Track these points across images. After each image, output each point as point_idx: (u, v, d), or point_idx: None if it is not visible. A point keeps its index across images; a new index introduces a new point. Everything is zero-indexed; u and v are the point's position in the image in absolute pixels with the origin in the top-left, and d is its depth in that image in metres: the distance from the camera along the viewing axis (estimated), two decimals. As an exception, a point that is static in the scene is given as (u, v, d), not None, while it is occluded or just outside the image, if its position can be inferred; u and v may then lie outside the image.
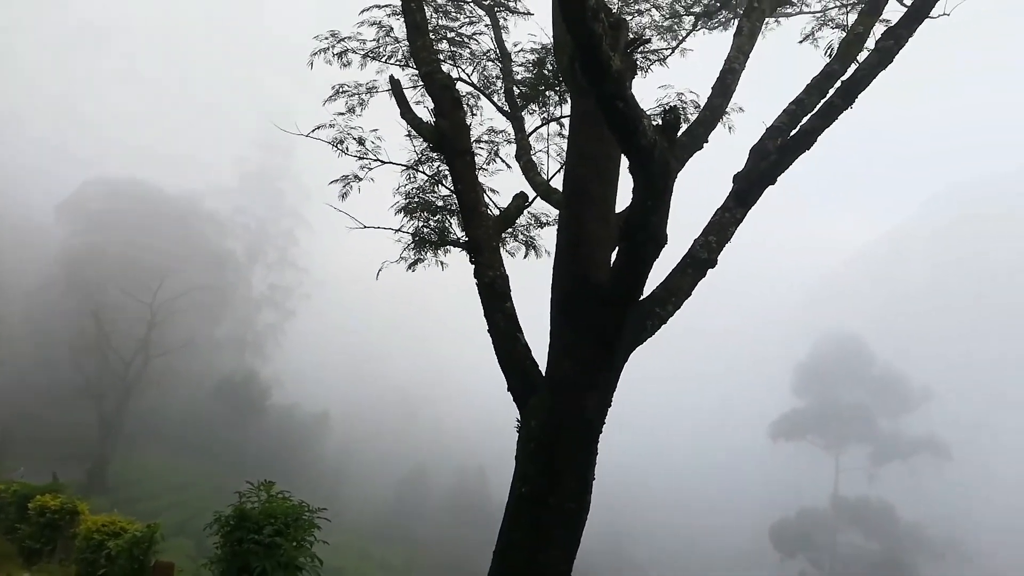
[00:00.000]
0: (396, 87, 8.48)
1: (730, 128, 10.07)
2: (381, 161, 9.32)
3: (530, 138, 10.22)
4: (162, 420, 55.68)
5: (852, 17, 7.61)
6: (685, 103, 10.11)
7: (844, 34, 7.23)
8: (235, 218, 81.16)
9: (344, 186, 9.56)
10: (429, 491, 65.22)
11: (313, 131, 9.41)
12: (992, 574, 55.49)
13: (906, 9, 6.30)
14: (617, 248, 5.85)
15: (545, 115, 10.70)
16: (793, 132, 6.54)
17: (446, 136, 7.54)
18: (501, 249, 9.32)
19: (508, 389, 6.79)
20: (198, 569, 7.98)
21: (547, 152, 10.14)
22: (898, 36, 6.12)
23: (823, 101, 6.49)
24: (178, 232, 63.94)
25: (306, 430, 66.78)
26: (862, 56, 6.67)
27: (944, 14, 7.24)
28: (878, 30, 6.83)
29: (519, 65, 10.76)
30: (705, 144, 8.36)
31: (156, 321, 55.60)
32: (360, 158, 9.42)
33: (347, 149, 9.33)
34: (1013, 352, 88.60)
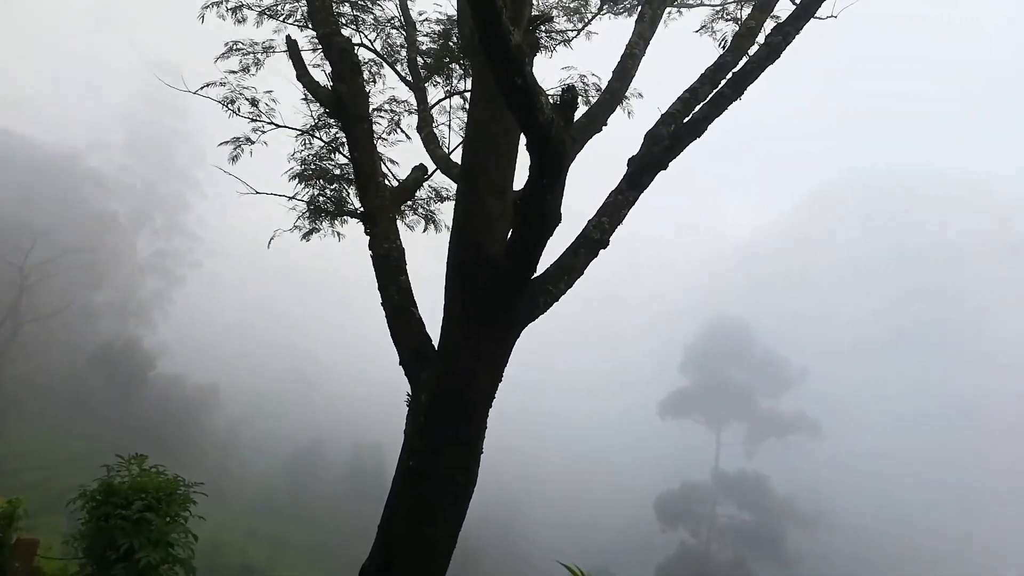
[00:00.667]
0: (293, 48, 8.16)
1: (629, 113, 10.29)
2: (275, 124, 8.97)
3: (433, 111, 10.10)
4: (32, 391, 52.08)
5: (746, 12, 7.91)
6: (587, 85, 10.25)
7: (737, 28, 7.50)
8: (120, 178, 76.22)
9: (235, 149, 9.15)
10: (324, 466, 64.28)
11: (202, 88, 8.94)
12: (852, 540, 60.34)
13: (794, 7, 6.59)
14: (513, 224, 5.90)
15: (449, 88, 10.59)
16: (686, 119, 6.74)
17: (344, 102, 7.34)
18: (399, 222, 9.19)
19: (400, 363, 6.75)
20: (64, 547, 7.56)
21: (449, 125, 10.05)
22: (786, 33, 6.41)
23: (715, 91, 6.72)
24: (54, 190, 59.52)
25: (193, 403, 64.13)
26: (753, 49, 6.94)
27: (832, 16, 7.64)
28: (769, 26, 7.13)
29: (424, 35, 10.58)
30: (604, 127, 8.52)
31: (27, 285, 51.76)
32: (253, 120, 9.03)
33: (239, 110, 8.92)
34: (884, 337, 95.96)
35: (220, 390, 68.65)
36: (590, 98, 9.93)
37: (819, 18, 7.32)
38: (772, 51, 6.41)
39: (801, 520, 55.26)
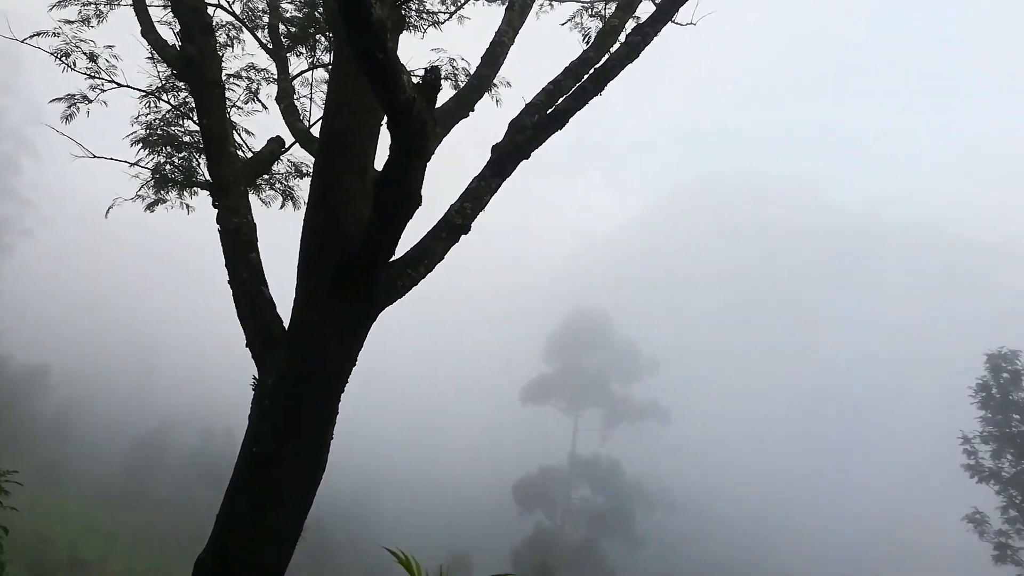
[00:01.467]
0: (138, 1, 7.52)
1: (498, 101, 10.32)
2: (116, 83, 8.25)
3: (295, 82, 9.67)
4: None
5: (611, 10, 8.13)
6: (457, 70, 10.17)
7: (602, 25, 7.70)
8: (-64, 133, 67.93)
9: (69, 107, 8.34)
10: (169, 453, 60.54)
11: (31, 37, 8.07)
12: (692, 520, 64.54)
13: (654, 9, 6.84)
14: (372, 203, 5.75)
15: (313, 59, 10.18)
16: (549, 111, 6.84)
17: (193, 64, 6.85)
18: (253, 196, 8.73)
19: (247, 344, 6.43)
20: None
21: (311, 98, 9.67)
22: (645, 33, 6.64)
23: (577, 84, 6.86)
24: None
25: (21, 385, 58.42)
26: (615, 48, 7.13)
27: (691, 23, 8.00)
28: (631, 25, 7.36)
29: (289, 2, 10.11)
30: (471, 112, 8.49)
31: None
32: (91, 76, 8.26)
33: (74, 64, 8.13)
34: (730, 329, 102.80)
35: (52, 371, 62.99)
36: (459, 82, 9.87)
37: (678, 23, 7.66)
38: (632, 50, 6.62)
39: (648, 502, 58.48)
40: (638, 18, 7.38)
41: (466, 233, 6.79)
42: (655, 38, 6.75)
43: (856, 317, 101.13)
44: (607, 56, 6.86)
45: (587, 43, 7.78)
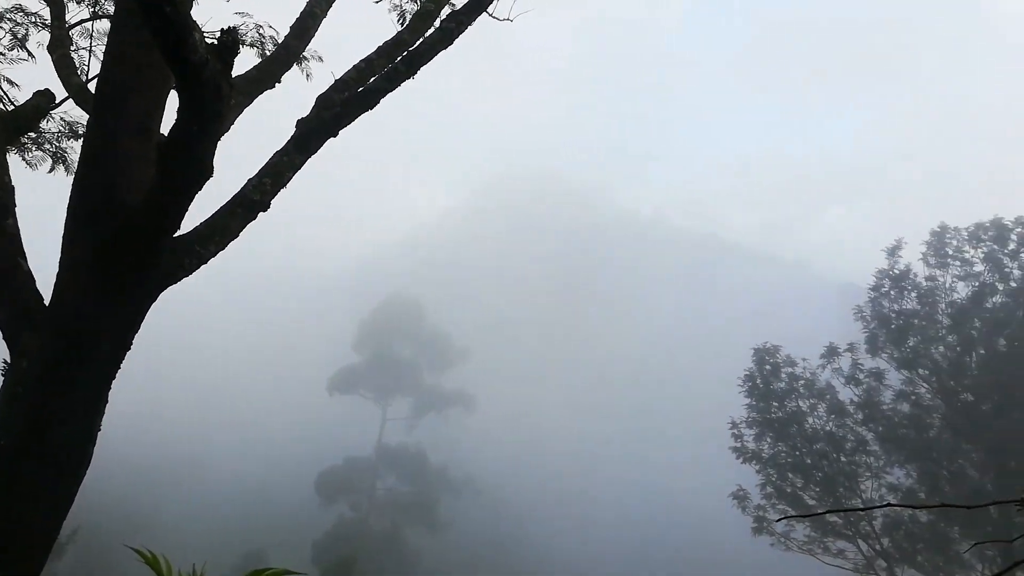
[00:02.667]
0: None
1: (308, 75, 9.88)
2: None
3: (73, 31, 8.60)
4: None
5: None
6: (264, 38, 9.60)
7: (418, 7, 7.60)
8: None
9: None
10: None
11: None
12: (492, 502, 66.53)
13: (469, -2, 6.86)
14: (157, 171, 5.24)
15: (96, 9, 9.13)
16: (360, 89, 6.64)
17: (-65, -6, 5.85)
18: (15, 155, 7.66)
19: (-2, 323, 5.61)
20: None
21: (91, 51, 8.65)
22: (459, 21, 6.64)
23: (390, 66, 6.72)
24: None
25: None
26: (430, 32, 7.08)
27: (508, 19, 8.12)
28: (447, 12, 7.33)
29: (68, -62, 8.96)
30: (278, 84, 8.07)
31: None
32: None
33: None
34: (537, 320, 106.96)
35: None
36: (266, 51, 9.33)
37: (495, 17, 7.75)
38: (445, 36, 6.60)
39: (452, 488, 59.48)
40: (454, 5, 7.37)
41: (264, 210, 6.41)
42: (469, 27, 6.77)
43: (643, 315, 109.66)
44: (421, 40, 6.78)
45: (402, 24, 7.64)
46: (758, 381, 29.70)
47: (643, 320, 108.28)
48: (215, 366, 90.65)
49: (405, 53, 6.69)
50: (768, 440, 29.51)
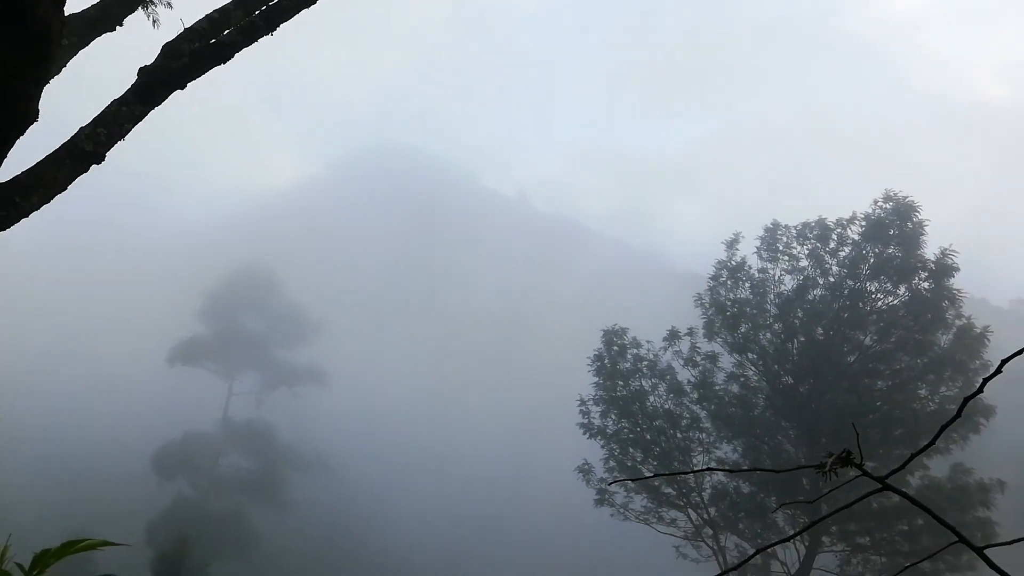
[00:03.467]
0: None
1: (155, 22, 9.16)
2: None
3: None
4: None
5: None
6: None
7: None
8: None
9: None
10: None
11: None
12: (343, 479, 65.72)
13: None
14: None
15: None
16: (212, 40, 6.25)
17: None
18: None
19: None
20: None
21: None
22: (324, -20, 6.39)
23: (248, 19, 6.37)
24: None
25: None
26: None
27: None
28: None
29: None
30: (119, 27, 7.48)
31: None
32: None
33: None
34: (394, 296, 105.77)
35: None
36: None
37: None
38: (309, -6, 6.34)
39: (301, 465, 57.99)
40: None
41: (98, 163, 5.91)
42: (334, -12, 6.54)
43: (500, 293, 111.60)
44: (284, -5, 6.46)
45: (262, -23, 7.24)
46: (606, 361, 31.08)
47: (500, 298, 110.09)
48: (39, 331, 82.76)
49: (265, 7, 6.36)
50: (613, 417, 31.03)
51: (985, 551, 1.80)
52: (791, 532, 28.12)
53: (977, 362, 25.85)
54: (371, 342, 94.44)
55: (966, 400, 1.68)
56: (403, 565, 60.34)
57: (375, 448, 75.83)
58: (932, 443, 1.88)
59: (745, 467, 27.69)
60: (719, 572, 28.49)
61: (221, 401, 61.70)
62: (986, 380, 1.66)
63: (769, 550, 27.90)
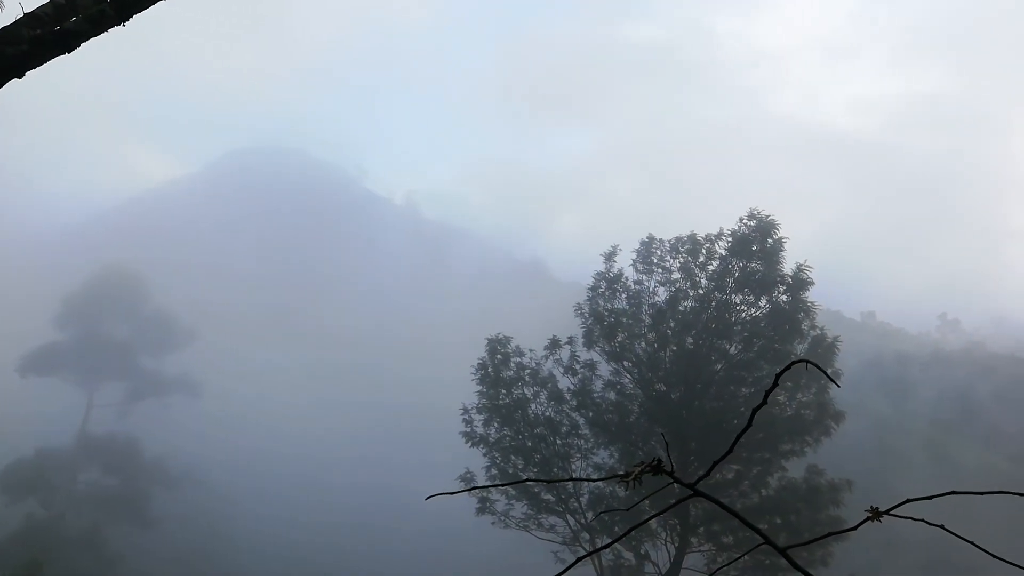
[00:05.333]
0: None
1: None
2: None
3: None
4: None
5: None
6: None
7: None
8: None
9: None
10: None
11: None
12: (215, 497, 62.57)
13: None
14: None
15: None
16: (56, 28, 5.83)
17: None
18: None
19: None
20: None
21: None
22: (183, -27, 6.12)
23: (98, 7, 5.99)
24: None
25: None
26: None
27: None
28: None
29: None
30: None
31: None
32: None
33: None
34: (279, 303, 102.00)
35: None
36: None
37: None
38: (165, -14, 6.03)
39: (168, 480, 54.69)
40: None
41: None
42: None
43: (386, 300, 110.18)
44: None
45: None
46: (489, 369, 31.28)
47: (381, 305, 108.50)
48: None
49: (115, -2, 6.00)
50: (495, 425, 31.24)
51: (788, 551, 1.93)
52: (664, 536, 29.28)
53: (829, 370, 27.91)
54: (246, 349, 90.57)
55: (755, 411, 1.81)
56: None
57: (248, 460, 72.69)
58: (730, 451, 2.01)
59: (621, 472, 28.64)
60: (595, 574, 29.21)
61: (79, 414, 57.34)
62: (768, 392, 1.80)
63: (642, 551, 28.93)
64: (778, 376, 1.77)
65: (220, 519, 62.54)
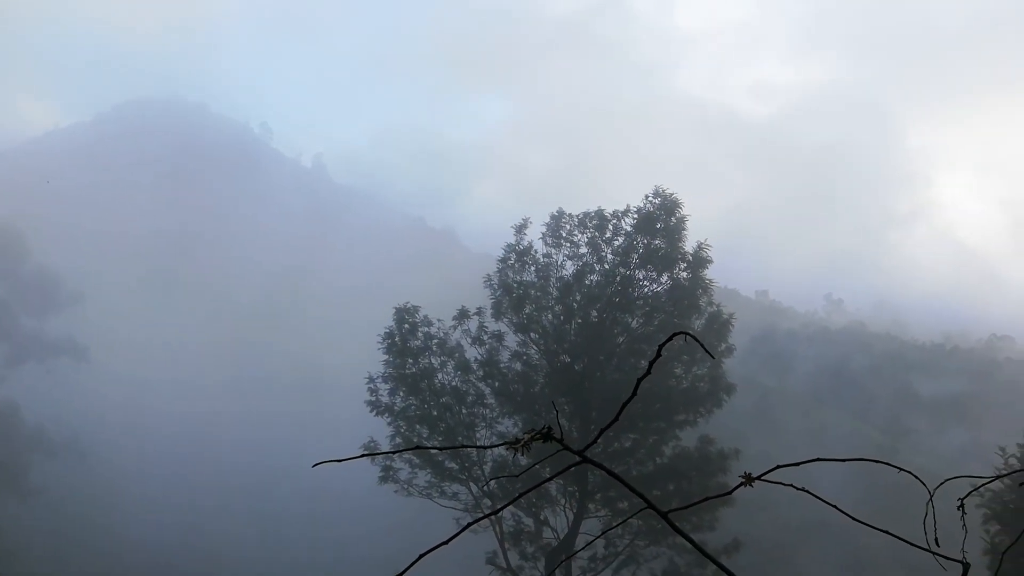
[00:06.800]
0: None
1: None
2: None
3: None
4: None
5: None
6: None
7: None
8: None
9: None
10: None
11: None
12: (98, 464, 59.36)
13: None
14: None
15: None
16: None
17: None
18: None
19: None
20: None
21: None
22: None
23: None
24: None
25: None
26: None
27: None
28: None
29: None
30: None
31: None
32: None
33: None
34: (172, 266, 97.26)
35: None
36: None
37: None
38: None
39: (50, 449, 51.73)
40: None
41: None
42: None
43: (284, 263, 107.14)
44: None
45: None
46: (396, 339, 31.07)
47: (289, 271, 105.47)
48: None
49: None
50: (401, 394, 31.16)
51: (668, 515, 2.04)
52: (562, 501, 30.16)
53: (724, 345, 29.27)
54: (136, 314, 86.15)
55: (639, 380, 1.91)
56: (161, 560, 55.07)
57: (137, 429, 69.55)
58: (615, 419, 2.11)
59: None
60: (498, 541, 29.81)
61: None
62: (651, 363, 1.90)
63: (542, 517, 29.73)
64: (660, 347, 1.87)
65: (104, 490, 59.68)
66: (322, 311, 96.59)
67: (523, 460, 29.50)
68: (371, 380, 31.18)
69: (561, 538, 29.22)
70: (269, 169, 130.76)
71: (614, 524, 26.54)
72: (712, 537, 27.24)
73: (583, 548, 27.97)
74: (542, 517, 29.67)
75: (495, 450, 30.75)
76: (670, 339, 1.90)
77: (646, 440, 29.07)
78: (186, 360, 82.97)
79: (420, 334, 31.41)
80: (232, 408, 77.21)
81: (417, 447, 3.48)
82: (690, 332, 1.82)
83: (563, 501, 30.08)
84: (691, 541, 2.00)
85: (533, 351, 30.72)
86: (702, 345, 1.88)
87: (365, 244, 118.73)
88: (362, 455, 1.96)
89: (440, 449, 3.37)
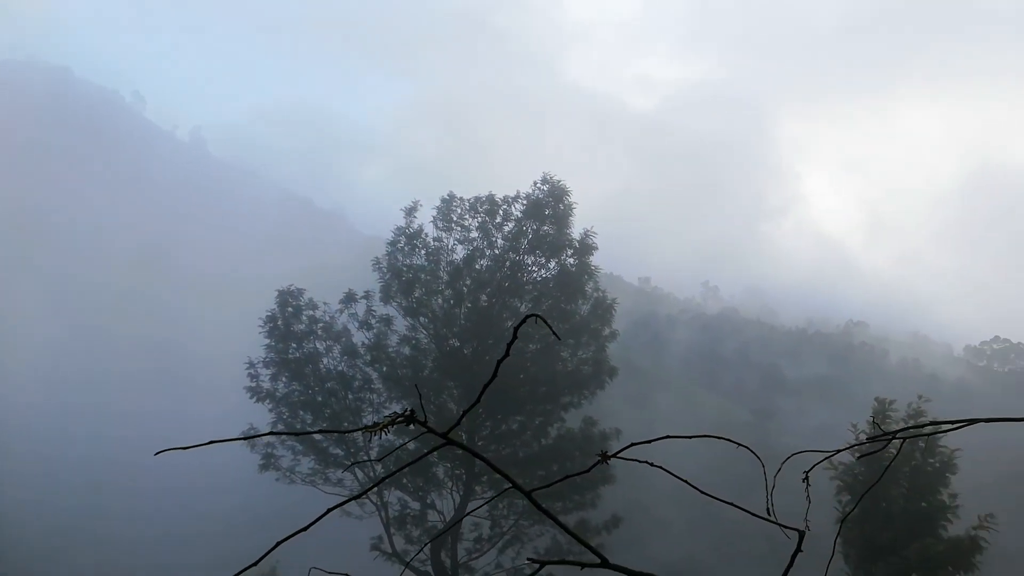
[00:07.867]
0: None
1: None
2: None
3: None
4: None
5: None
6: None
7: None
8: None
9: None
10: None
11: None
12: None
13: None
14: None
15: None
16: None
17: None
18: None
19: None
20: None
21: None
22: None
23: None
24: None
25: None
26: None
27: None
28: None
29: None
30: None
31: None
32: None
33: None
34: (40, 242, 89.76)
35: None
36: None
37: None
38: None
39: None
40: None
41: None
42: None
43: (152, 244, 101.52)
44: None
45: None
46: (279, 322, 30.16)
47: (161, 248, 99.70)
48: None
49: None
50: (284, 379, 30.29)
51: (532, 493, 2.11)
52: (449, 484, 30.32)
53: (607, 330, 30.23)
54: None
55: (499, 362, 1.97)
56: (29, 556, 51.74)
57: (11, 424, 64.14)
58: (478, 401, 2.17)
59: (412, 427, 29.09)
60: (383, 526, 29.62)
61: None
62: (509, 345, 1.97)
63: (428, 501, 29.80)
64: (516, 329, 1.94)
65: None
66: (195, 295, 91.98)
67: (412, 446, 29.43)
68: (251, 365, 30.13)
69: (446, 520, 29.40)
70: (140, 141, 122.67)
71: (480, 505, 27.00)
72: (595, 515, 28.23)
73: (451, 526, 28.17)
74: (429, 500, 29.74)
75: (383, 435, 30.46)
76: (523, 321, 1.97)
77: (532, 422, 29.65)
78: (45, 341, 76.93)
79: (304, 317, 30.61)
80: (90, 401, 72.19)
81: (271, 432, 3.41)
82: (539, 315, 1.90)
83: (450, 484, 30.24)
84: (553, 518, 2.10)
85: (422, 335, 30.60)
86: (550, 328, 1.96)
87: (248, 224, 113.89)
88: (208, 442, 1.92)
89: (298, 435, 3.34)
